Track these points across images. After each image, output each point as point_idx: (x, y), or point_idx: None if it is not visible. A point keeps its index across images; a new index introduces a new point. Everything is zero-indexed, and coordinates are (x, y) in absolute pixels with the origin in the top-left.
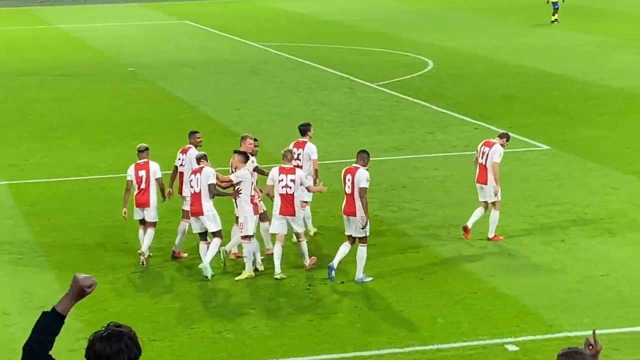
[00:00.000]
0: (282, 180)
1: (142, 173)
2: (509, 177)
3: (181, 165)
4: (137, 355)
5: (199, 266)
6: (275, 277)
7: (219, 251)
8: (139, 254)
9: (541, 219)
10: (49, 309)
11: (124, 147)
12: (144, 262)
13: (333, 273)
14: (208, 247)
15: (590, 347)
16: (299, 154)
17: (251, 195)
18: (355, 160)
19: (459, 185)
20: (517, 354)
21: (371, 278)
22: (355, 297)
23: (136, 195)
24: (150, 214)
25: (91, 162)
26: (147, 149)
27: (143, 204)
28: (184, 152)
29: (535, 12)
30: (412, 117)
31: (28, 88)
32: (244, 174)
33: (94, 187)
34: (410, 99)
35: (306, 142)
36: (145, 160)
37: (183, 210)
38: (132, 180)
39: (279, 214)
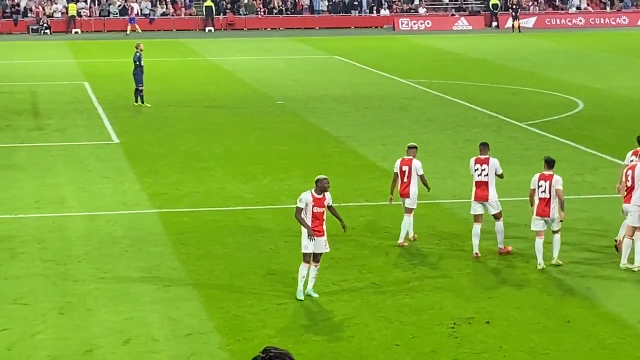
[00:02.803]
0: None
1: (405, 168)
2: None
3: (481, 175)
4: None
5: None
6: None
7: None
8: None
9: None
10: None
11: (271, 179)
12: (402, 245)
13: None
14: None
15: None
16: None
17: None
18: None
19: (607, 228)
20: None
21: None
22: (500, 338)
23: (400, 187)
24: (410, 202)
25: (239, 194)
26: (415, 147)
27: (405, 195)
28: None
29: None
30: (561, 158)
31: (180, 119)
32: None
33: (241, 217)
34: (559, 139)
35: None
36: (411, 157)
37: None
38: (397, 173)
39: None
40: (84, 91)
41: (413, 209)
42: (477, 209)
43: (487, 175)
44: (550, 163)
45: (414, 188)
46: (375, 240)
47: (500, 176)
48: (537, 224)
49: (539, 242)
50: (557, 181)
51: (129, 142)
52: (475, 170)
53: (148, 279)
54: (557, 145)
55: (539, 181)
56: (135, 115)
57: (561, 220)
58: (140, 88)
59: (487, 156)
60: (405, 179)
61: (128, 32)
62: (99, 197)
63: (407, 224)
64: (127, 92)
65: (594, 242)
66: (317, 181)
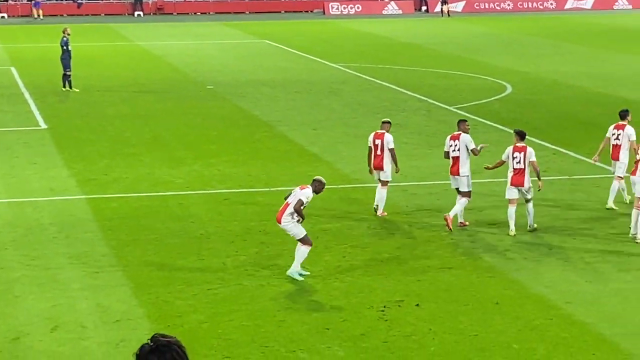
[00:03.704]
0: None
1: (378, 141)
2: (587, 204)
3: (454, 150)
4: None
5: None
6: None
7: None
8: (375, 208)
9: (619, 246)
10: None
11: (202, 164)
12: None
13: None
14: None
15: None
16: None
17: None
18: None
19: (535, 210)
20: None
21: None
22: (430, 321)
23: (374, 160)
24: (385, 175)
25: (168, 179)
26: (389, 122)
27: (378, 168)
28: (455, 138)
29: (614, 39)
30: (489, 141)
31: (109, 104)
32: None
33: (171, 203)
34: (488, 122)
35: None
36: (383, 131)
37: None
38: (370, 147)
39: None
40: (10, 76)
41: (388, 181)
42: (452, 183)
43: (458, 150)
44: (522, 135)
45: (387, 160)
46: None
47: (473, 152)
48: (511, 193)
49: (512, 209)
50: (531, 153)
51: (56, 128)
52: (450, 146)
53: (77, 265)
54: (485, 128)
55: (513, 153)
56: (63, 100)
57: (539, 189)
58: (68, 73)
59: (459, 132)
60: (379, 152)
61: (35, 17)
62: (26, 184)
63: (383, 195)
64: (54, 77)
65: (521, 224)
66: (319, 182)
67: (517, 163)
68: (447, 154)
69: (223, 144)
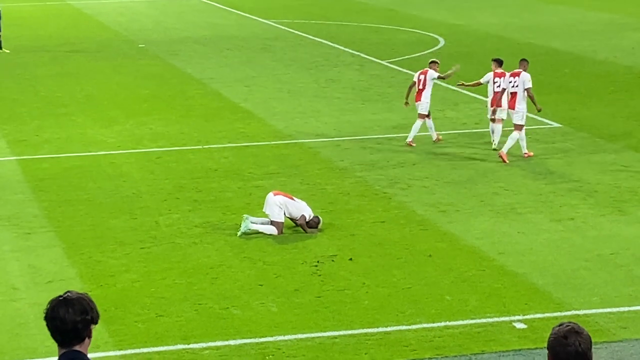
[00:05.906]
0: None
1: (421, 77)
2: (519, 155)
3: (514, 86)
4: (96, 318)
5: None
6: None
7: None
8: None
9: (551, 197)
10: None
11: (134, 123)
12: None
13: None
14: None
15: None
16: None
17: None
18: None
19: (468, 162)
20: (525, 332)
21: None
22: (363, 274)
23: (416, 94)
24: (422, 108)
25: (100, 138)
26: (435, 62)
27: (417, 100)
28: (515, 75)
29: None
30: None
31: (39, 64)
32: None
33: (103, 163)
34: None
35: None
36: (427, 69)
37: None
38: (415, 81)
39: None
40: None
41: (424, 114)
42: (499, 114)
43: (517, 86)
44: (500, 62)
45: (427, 93)
46: (238, 181)
47: (527, 91)
48: (504, 114)
49: (497, 126)
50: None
51: None
52: (510, 82)
53: (7, 227)
54: None
55: (494, 78)
56: None
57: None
58: None
59: (519, 70)
60: (421, 87)
61: None
62: None
63: (431, 125)
64: None
65: (453, 177)
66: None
67: (497, 87)
68: (503, 91)
69: (155, 102)
